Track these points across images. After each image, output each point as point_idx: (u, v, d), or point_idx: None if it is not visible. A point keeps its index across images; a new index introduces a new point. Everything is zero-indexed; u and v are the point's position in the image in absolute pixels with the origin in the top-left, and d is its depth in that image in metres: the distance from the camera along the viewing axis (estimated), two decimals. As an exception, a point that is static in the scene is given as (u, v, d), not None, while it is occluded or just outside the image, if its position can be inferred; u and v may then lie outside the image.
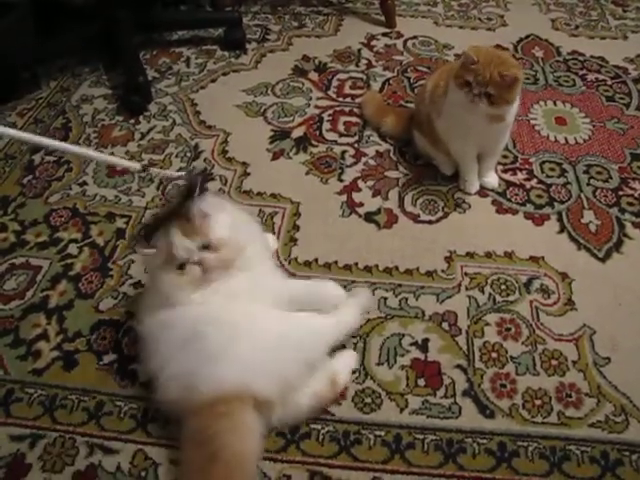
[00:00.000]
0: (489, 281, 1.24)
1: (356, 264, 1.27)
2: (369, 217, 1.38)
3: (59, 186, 1.48)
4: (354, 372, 1.08)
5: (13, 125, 1.66)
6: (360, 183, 1.46)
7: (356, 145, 1.57)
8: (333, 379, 1.03)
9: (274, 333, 0.97)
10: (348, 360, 1.09)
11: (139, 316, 1.04)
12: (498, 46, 1.92)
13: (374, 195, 1.43)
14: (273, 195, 1.43)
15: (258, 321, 0.97)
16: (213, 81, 1.81)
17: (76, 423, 1.03)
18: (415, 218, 1.38)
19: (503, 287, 1.23)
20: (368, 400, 1.05)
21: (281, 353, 0.96)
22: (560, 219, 1.37)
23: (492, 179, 1.44)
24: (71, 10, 1.83)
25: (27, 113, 1.71)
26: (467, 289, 1.22)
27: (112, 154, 1.28)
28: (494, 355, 1.12)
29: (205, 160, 1.53)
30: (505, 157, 1.52)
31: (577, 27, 2.04)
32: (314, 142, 1.58)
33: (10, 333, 1.17)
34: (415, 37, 1.99)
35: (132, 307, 1.20)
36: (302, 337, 1.01)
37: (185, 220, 0.96)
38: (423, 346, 1.13)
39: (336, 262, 1.27)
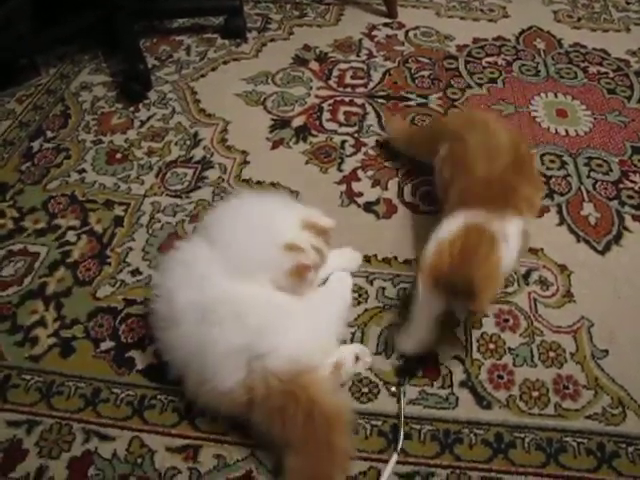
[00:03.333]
0: (488, 272, 1.23)
1: (355, 254, 1.27)
2: (368, 207, 1.38)
3: (58, 173, 1.47)
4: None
5: (12, 112, 1.65)
6: (360, 173, 1.46)
7: (356, 135, 1.56)
8: (338, 363, 1.04)
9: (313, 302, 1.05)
10: (353, 348, 1.09)
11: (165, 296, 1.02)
12: (500, 38, 1.91)
13: (373, 185, 1.43)
14: (272, 184, 1.43)
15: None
16: (213, 69, 1.80)
17: (73, 410, 1.03)
18: (415, 209, 1.37)
19: (502, 278, 1.22)
20: (365, 390, 1.05)
21: (322, 320, 1.04)
22: (560, 211, 1.36)
23: None
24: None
25: (26, 100, 1.70)
26: (466, 280, 1.22)
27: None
28: (492, 346, 1.12)
29: (205, 148, 1.52)
30: (505, 149, 1.51)
31: (579, 19, 2.02)
32: (314, 132, 1.57)
33: (7, 319, 1.17)
34: (417, 28, 1.98)
35: (130, 294, 1.20)
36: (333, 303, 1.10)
37: None
38: (421, 336, 1.13)
39: (335, 252, 1.27)
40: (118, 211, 1.37)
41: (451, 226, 1.04)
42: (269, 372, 0.93)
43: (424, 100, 1.67)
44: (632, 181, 1.43)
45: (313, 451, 0.91)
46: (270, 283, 1.01)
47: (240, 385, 0.93)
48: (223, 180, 1.44)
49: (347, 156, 1.50)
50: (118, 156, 1.52)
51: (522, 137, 1.21)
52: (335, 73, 1.78)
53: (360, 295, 1.20)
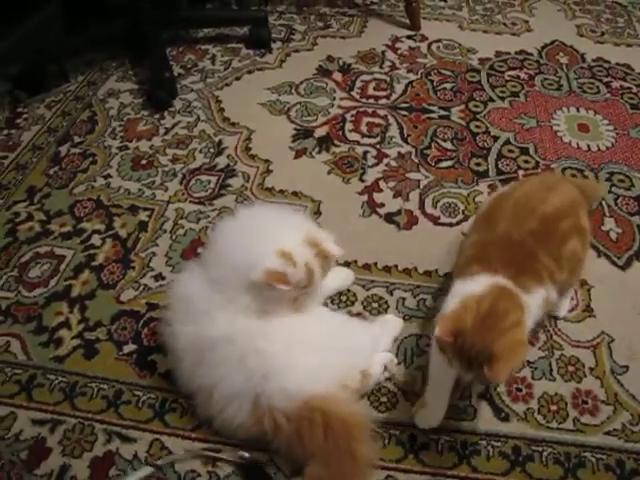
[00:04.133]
0: (508, 285, 1.23)
1: (375, 264, 1.28)
2: (389, 218, 1.39)
3: (84, 178, 1.50)
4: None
5: (41, 117, 1.69)
6: (381, 184, 1.47)
7: (378, 146, 1.58)
8: (366, 372, 1.03)
9: (330, 335, 1.01)
10: (382, 357, 1.09)
11: (172, 328, 1.00)
12: (522, 51, 1.92)
13: (395, 196, 1.44)
14: (295, 193, 1.44)
15: (314, 326, 1.02)
16: (238, 79, 1.83)
17: (95, 410, 1.05)
18: (435, 220, 1.38)
19: (522, 292, 1.22)
20: (384, 399, 1.06)
21: (337, 355, 0.99)
22: (581, 226, 1.36)
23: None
24: (100, 6, 1.86)
25: (55, 106, 1.74)
26: (485, 292, 1.22)
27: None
28: (511, 359, 1.12)
29: (228, 156, 1.54)
30: (527, 162, 1.52)
31: (603, 34, 2.02)
32: (337, 142, 1.59)
33: (33, 320, 1.19)
34: (439, 40, 1.99)
35: (153, 298, 1.22)
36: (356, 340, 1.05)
37: None
38: (440, 347, 1.13)
39: (355, 261, 1.28)
40: (142, 216, 1.40)
41: (477, 285, 0.93)
42: (276, 410, 0.92)
43: (446, 112, 1.68)
44: (654, 197, 1.43)
45: (334, 461, 0.91)
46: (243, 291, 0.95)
47: (248, 418, 0.94)
48: (246, 188, 1.45)
49: (369, 167, 1.52)
50: (143, 162, 1.54)
51: (576, 215, 1.06)
52: (358, 84, 1.80)
53: (380, 305, 1.20)
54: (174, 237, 1.35)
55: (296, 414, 0.91)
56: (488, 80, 1.81)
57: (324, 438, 0.91)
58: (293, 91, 1.77)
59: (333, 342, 1.00)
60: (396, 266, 1.28)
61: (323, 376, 0.95)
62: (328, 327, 1.04)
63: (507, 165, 1.51)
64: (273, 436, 0.94)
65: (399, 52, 1.94)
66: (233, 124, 1.65)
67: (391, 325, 1.16)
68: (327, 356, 0.96)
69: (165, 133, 1.63)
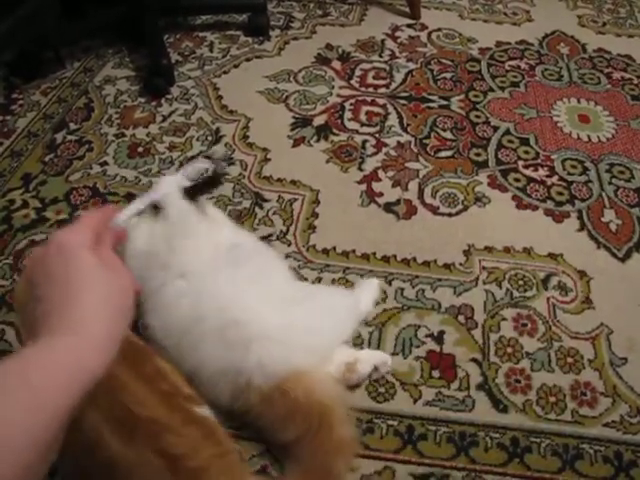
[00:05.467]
0: (507, 276, 1.23)
1: (374, 254, 1.27)
2: (388, 207, 1.37)
3: (80, 165, 1.48)
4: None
5: (37, 104, 1.67)
6: (380, 173, 1.46)
7: (377, 135, 1.56)
8: (351, 366, 1.02)
9: (306, 297, 1.03)
10: (376, 356, 1.08)
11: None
12: (523, 41, 1.91)
13: (394, 186, 1.43)
14: (293, 182, 1.43)
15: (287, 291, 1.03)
16: (236, 66, 1.81)
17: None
18: (434, 210, 1.37)
19: (521, 282, 1.22)
20: (382, 389, 1.05)
21: (321, 323, 0.99)
22: (580, 217, 1.36)
23: None
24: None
25: (51, 92, 1.71)
26: (484, 283, 1.22)
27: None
28: (509, 350, 1.11)
29: (226, 145, 1.53)
30: (527, 153, 1.51)
31: (604, 24, 2.01)
32: (335, 131, 1.58)
33: (28, 308, 1.18)
34: (439, 29, 1.97)
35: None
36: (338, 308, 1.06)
37: None
38: (439, 338, 1.13)
39: (354, 251, 1.27)
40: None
41: None
42: (252, 388, 0.90)
43: (446, 102, 1.67)
44: (655, 189, 1.42)
45: (312, 442, 0.90)
46: None
47: (229, 396, 0.93)
48: (244, 177, 1.44)
49: (368, 156, 1.50)
50: (140, 150, 1.53)
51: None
52: (357, 73, 1.78)
53: (378, 295, 1.20)
54: (171, 225, 1.33)
55: (270, 394, 0.90)
56: (488, 70, 1.80)
57: (302, 420, 0.90)
58: (292, 79, 1.76)
59: (310, 304, 1.01)
60: (395, 256, 1.27)
61: (303, 345, 0.95)
62: (303, 289, 1.08)
63: (507, 155, 1.51)
64: (247, 415, 0.93)
65: (399, 41, 1.92)
66: (231, 112, 1.64)
67: (366, 286, 1.16)
68: (304, 317, 0.97)
69: (162, 120, 1.61)
